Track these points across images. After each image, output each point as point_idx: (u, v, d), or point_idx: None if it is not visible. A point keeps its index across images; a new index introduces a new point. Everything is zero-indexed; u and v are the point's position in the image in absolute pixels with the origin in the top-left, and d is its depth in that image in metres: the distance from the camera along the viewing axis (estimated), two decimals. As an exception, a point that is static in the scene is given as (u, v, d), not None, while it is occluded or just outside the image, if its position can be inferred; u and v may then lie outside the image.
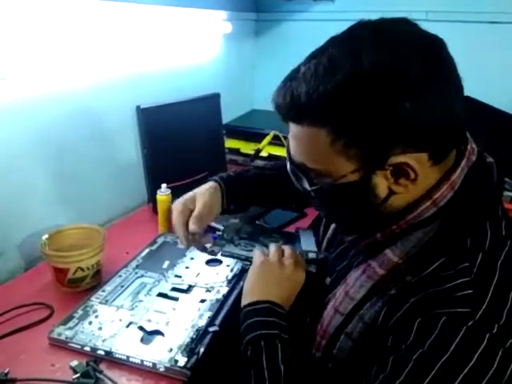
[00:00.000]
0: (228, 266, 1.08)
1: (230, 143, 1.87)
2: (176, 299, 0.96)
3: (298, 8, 2.13)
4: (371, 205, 0.62)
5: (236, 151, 1.86)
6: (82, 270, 0.98)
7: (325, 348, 0.71)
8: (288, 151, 0.67)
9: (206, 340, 0.86)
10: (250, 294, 0.79)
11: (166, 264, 1.09)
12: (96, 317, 0.89)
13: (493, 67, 1.80)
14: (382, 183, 0.60)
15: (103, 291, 0.97)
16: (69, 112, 1.22)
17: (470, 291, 0.55)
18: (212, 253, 0.96)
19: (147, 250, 1.15)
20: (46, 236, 1.01)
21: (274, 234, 1.01)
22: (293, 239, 0.96)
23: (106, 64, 1.33)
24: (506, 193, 1.48)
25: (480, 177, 0.64)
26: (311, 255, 0.88)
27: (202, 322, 0.89)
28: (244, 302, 0.78)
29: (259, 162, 1.68)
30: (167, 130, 1.42)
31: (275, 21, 2.22)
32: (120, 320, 0.89)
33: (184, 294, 0.98)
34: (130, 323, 0.88)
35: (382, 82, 0.53)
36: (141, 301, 0.95)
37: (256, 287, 0.79)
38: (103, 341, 0.83)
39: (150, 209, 1.40)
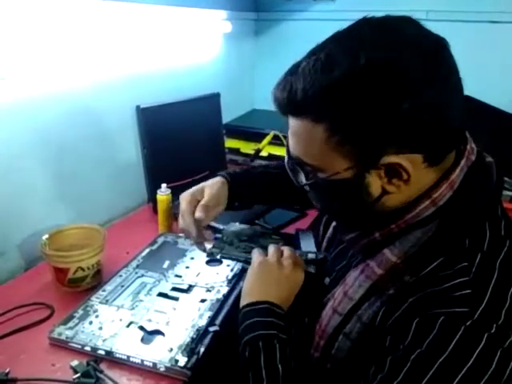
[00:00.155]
0: (228, 265, 1.08)
1: (230, 143, 1.87)
2: (176, 299, 0.96)
3: (298, 7, 2.13)
4: (365, 202, 0.62)
5: (236, 151, 1.86)
6: (83, 269, 0.98)
7: (323, 348, 0.71)
8: (287, 145, 0.67)
9: (207, 340, 0.86)
10: (249, 294, 0.79)
11: (166, 264, 1.09)
12: (96, 317, 0.90)
13: (493, 67, 1.80)
14: (375, 182, 0.60)
15: (103, 291, 0.98)
16: (69, 112, 1.22)
17: (468, 291, 0.55)
18: (211, 255, 0.96)
19: (147, 250, 1.15)
20: (46, 236, 1.02)
21: (274, 235, 1.01)
22: (292, 240, 0.96)
23: (106, 64, 1.33)
24: (506, 192, 1.48)
25: (479, 176, 0.64)
26: (310, 256, 0.88)
27: (203, 322, 0.89)
28: (243, 302, 0.78)
29: (259, 162, 1.68)
30: (167, 129, 1.42)
31: (275, 20, 2.22)
32: (120, 320, 0.89)
33: (184, 294, 0.98)
34: (131, 323, 0.88)
35: (378, 81, 0.53)
36: (141, 301, 0.95)
37: (255, 288, 0.80)
38: (103, 340, 0.83)
39: (150, 208, 1.40)
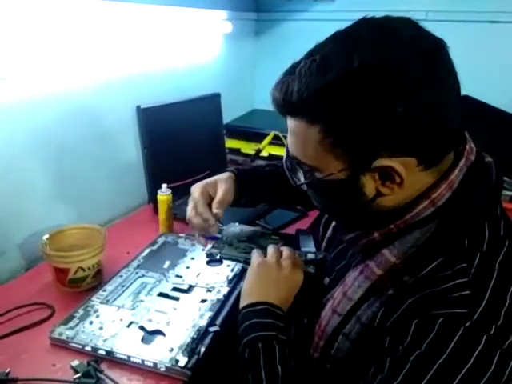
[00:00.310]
0: (228, 266, 1.08)
1: (230, 143, 1.87)
2: (177, 299, 0.96)
3: (299, 8, 2.13)
4: (360, 203, 0.63)
5: (236, 151, 1.86)
6: (83, 269, 0.98)
7: (323, 349, 0.71)
8: (287, 144, 0.68)
9: (207, 340, 0.86)
10: (248, 295, 0.79)
11: (166, 264, 1.09)
12: (97, 317, 0.90)
13: (493, 67, 1.80)
14: (369, 184, 0.60)
15: (104, 291, 0.98)
16: (69, 112, 1.22)
17: (467, 292, 0.55)
18: (211, 255, 0.96)
19: (148, 250, 1.15)
20: (46, 236, 1.02)
21: (273, 235, 1.01)
22: (292, 241, 0.96)
23: (107, 64, 1.33)
24: (505, 192, 1.48)
25: (479, 176, 0.64)
26: (310, 256, 0.88)
27: (203, 322, 0.89)
28: (242, 303, 0.78)
29: (260, 162, 1.68)
30: (168, 129, 1.42)
31: (275, 20, 2.22)
32: (121, 320, 0.89)
33: (185, 294, 0.98)
34: (131, 323, 0.88)
35: (372, 85, 0.53)
36: (142, 301, 0.95)
37: (254, 289, 0.80)
38: (104, 341, 0.83)
39: (151, 209, 1.40)
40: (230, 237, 0.99)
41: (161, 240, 1.21)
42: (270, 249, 0.86)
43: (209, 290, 1.00)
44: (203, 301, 0.96)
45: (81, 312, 0.91)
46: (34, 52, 1.09)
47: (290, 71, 0.59)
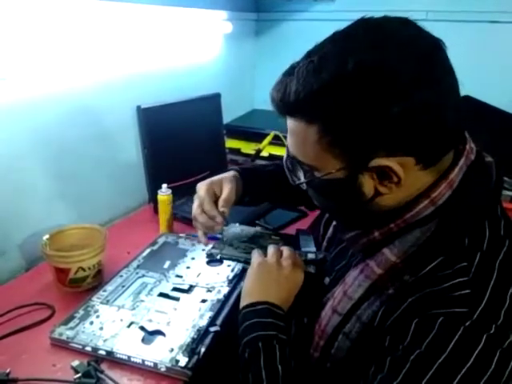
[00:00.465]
0: (229, 266, 1.08)
1: (230, 143, 1.87)
2: (177, 299, 0.96)
3: (299, 8, 2.13)
4: (359, 202, 0.63)
5: (237, 151, 1.86)
6: (83, 269, 0.98)
7: (323, 348, 0.71)
8: (287, 144, 0.68)
9: (207, 340, 0.86)
10: (249, 295, 0.79)
11: (166, 264, 1.09)
12: (97, 317, 0.90)
13: (493, 67, 1.80)
14: (368, 183, 0.61)
15: (104, 291, 0.98)
16: (69, 112, 1.22)
17: (467, 291, 0.55)
18: (211, 256, 0.96)
19: (148, 250, 1.15)
20: (46, 236, 1.02)
21: (274, 236, 1.01)
22: (292, 241, 0.97)
23: (107, 64, 1.33)
24: (506, 192, 1.48)
25: (479, 176, 0.64)
26: (310, 256, 0.88)
27: (203, 322, 0.89)
28: (242, 303, 0.79)
29: (260, 162, 1.68)
30: (168, 129, 1.42)
31: (276, 20, 2.22)
32: (121, 320, 0.89)
33: (185, 294, 0.98)
34: (131, 323, 0.88)
35: (367, 85, 0.54)
36: (142, 301, 0.95)
37: (254, 288, 0.80)
38: (104, 341, 0.83)
39: (151, 209, 1.40)
40: (231, 237, 1.00)
41: (161, 240, 1.21)
42: (271, 249, 0.86)
43: (209, 290, 1.00)
44: (203, 301, 0.96)
45: (81, 312, 0.91)
46: (35, 52, 1.09)
47: (289, 72, 0.60)
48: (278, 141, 1.71)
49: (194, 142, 1.53)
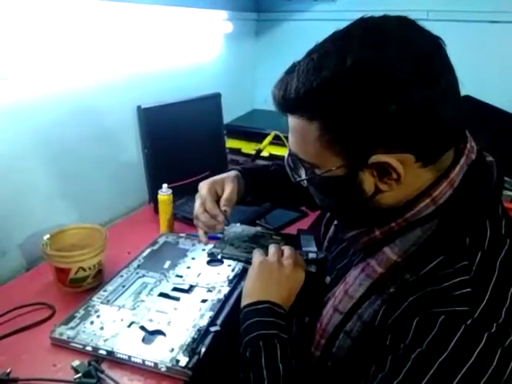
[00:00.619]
0: (229, 265, 1.08)
1: (230, 143, 1.87)
2: (177, 299, 0.96)
3: (299, 8, 2.13)
4: (360, 199, 0.63)
5: (237, 151, 1.86)
6: (84, 269, 0.98)
7: (324, 347, 0.71)
8: (288, 142, 0.68)
9: (208, 340, 0.86)
10: (250, 294, 0.79)
11: (167, 264, 1.09)
12: (98, 317, 0.90)
13: (493, 67, 1.80)
14: (368, 180, 0.61)
15: (105, 291, 0.98)
16: (70, 112, 1.22)
17: (468, 290, 0.55)
18: (212, 255, 0.96)
19: (148, 250, 1.15)
20: (47, 236, 1.02)
21: (275, 235, 1.02)
22: (293, 241, 0.97)
23: (107, 64, 1.33)
24: (507, 192, 1.48)
25: (480, 175, 0.64)
26: (311, 255, 0.88)
27: (204, 322, 0.89)
28: (243, 302, 0.79)
29: (260, 162, 1.68)
30: (168, 129, 1.42)
31: (276, 20, 2.22)
32: (121, 320, 0.89)
33: (185, 294, 0.98)
34: (132, 323, 0.88)
35: (365, 82, 0.54)
36: (142, 301, 0.95)
37: (255, 288, 0.80)
38: (105, 341, 0.83)
39: (152, 209, 1.40)
40: (232, 237, 1.00)
41: (161, 240, 1.21)
42: (272, 248, 0.86)
43: (209, 290, 1.00)
44: (204, 301, 0.96)
45: (81, 312, 0.91)
46: (35, 53, 1.09)
47: (290, 70, 0.60)
48: (278, 141, 1.71)
49: (195, 141, 1.53)
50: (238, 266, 1.08)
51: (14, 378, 0.76)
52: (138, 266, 1.07)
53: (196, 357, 0.80)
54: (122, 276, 1.03)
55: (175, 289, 1.00)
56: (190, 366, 0.78)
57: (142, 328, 0.87)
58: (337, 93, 0.55)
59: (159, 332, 0.86)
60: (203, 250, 1.14)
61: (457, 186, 0.61)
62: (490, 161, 0.67)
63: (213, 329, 0.88)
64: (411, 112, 0.54)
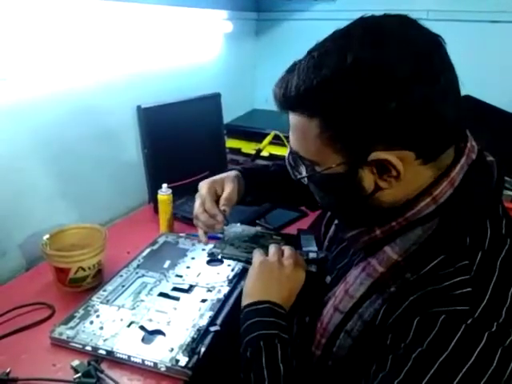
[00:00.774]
0: (229, 265, 1.08)
1: (230, 143, 1.87)
2: (177, 299, 0.96)
3: (299, 7, 2.13)
4: (360, 197, 0.63)
5: (237, 151, 1.86)
6: (83, 269, 0.98)
7: (324, 346, 0.71)
8: (289, 139, 0.69)
9: (207, 340, 0.86)
10: (250, 294, 0.79)
11: (166, 264, 1.09)
12: (97, 316, 0.90)
13: (493, 67, 1.80)
14: (368, 177, 0.61)
15: (104, 291, 0.98)
16: (70, 112, 1.22)
17: (469, 289, 0.55)
18: (212, 255, 0.96)
19: (148, 250, 1.15)
20: (47, 236, 1.02)
21: (275, 235, 1.01)
22: (293, 240, 0.97)
23: (107, 64, 1.33)
24: (507, 192, 1.48)
25: (480, 175, 0.64)
26: (311, 255, 0.88)
27: (203, 322, 0.89)
28: (244, 302, 0.79)
29: (260, 162, 1.68)
30: (168, 129, 1.42)
31: (276, 20, 2.22)
32: (121, 320, 0.89)
33: (185, 294, 0.98)
34: (131, 323, 0.88)
35: (364, 80, 0.54)
36: (142, 300, 0.95)
37: (256, 288, 0.80)
38: (104, 340, 0.83)
39: (151, 208, 1.40)
40: (232, 237, 0.99)
41: (161, 240, 1.20)
42: (272, 248, 0.86)
43: (209, 290, 1.00)
44: (203, 300, 0.96)
45: (81, 312, 0.91)
46: (35, 52, 1.09)
47: (290, 69, 0.61)
48: (278, 140, 1.71)
49: (195, 141, 1.53)
50: (238, 266, 1.07)
51: (14, 377, 0.76)
52: (138, 266, 1.07)
53: (196, 357, 0.80)
54: (121, 276, 1.03)
55: (175, 288, 1.00)
56: (189, 365, 0.78)
57: (142, 328, 0.87)
58: (337, 91, 0.56)
59: (159, 332, 0.86)
60: (203, 249, 1.14)
61: (457, 186, 0.61)
62: (491, 160, 0.67)
63: (212, 328, 0.88)
64: (411, 109, 0.55)
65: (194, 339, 0.84)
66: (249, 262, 0.88)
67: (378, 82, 0.54)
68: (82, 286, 1.00)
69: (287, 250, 0.86)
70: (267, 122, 1.83)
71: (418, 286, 0.59)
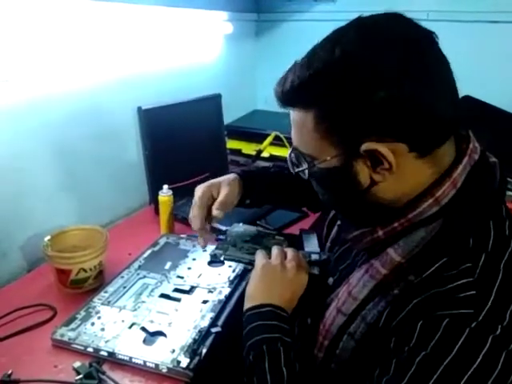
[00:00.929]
0: (230, 266, 1.08)
1: (231, 144, 1.87)
2: (178, 300, 0.96)
3: (299, 8, 2.13)
4: (357, 192, 0.63)
5: (237, 152, 1.86)
6: (85, 271, 0.98)
7: (327, 348, 0.71)
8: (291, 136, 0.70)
9: (209, 341, 0.85)
10: (252, 297, 0.79)
11: (168, 265, 1.09)
12: (99, 318, 0.90)
13: (493, 67, 1.80)
14: (363, 171, 0.61)
15: (106, 292, 0.98)
16: (71, 113, 1.22)
17: (472, 292, 0.55)
18: (215, 256, 0.96)
19: (149, 251, 1.15)
20: (48, 237, 1.02)
21: (277, 236, 1.01)
22: (296, 241, 0.96)
23: (108, 65, 1.33)
24: (509, 193, 1.48)
25: (483, 176, 0.63)
26: (314, 256, 0.88)
27: (205, 323, 0.89)
28: (246, 305, 0.78)
29: (261, 163, 1.68)
30: (168, 130, 1.42)
31: (276, 21, 2.22)
32: (122, 321, 0.89)
33: (186, 295, 0.98)
34: (133, 324, 0.88)
35: (352, 72, 0.56)
36: (143, 302, 0.95)
37: (258, 291, 0.80)
38: (106, 342, 0.83)
39: (152, 210, 1.40)
40: (234, 237, 0.99)
41: (162, 241, 1.20)
42: (275, 250, 0.86)
43: (210, 291, 1.00)
44: (205, 302, 0.96)
45: (82, 313, 0.91)
46: (36, 54, 1.09)
47: (291, 67, 0.63)
48: (278, 141, 1.71)
49: (195, 142, 1.53)
50: (239, 267, 1.07)
51: (16, 379, 0.76)
52: (139, 267, 1.07)
53: (197, 358, 0.80)
54: (122, 277, 1.03)
55: (176, 290, 1.00)
56: (191, 367, 0.78)
57: (143, 329, 0.87)
58: (327, 82, 0.58)
59: (160, 333, 0.86)
60: (204, 250, 1.14)
61: (460, 187, 0.61)
62: (494, 161, 0.67)
63: (214, 330, 0.88)
64: (399, 101, 0.55)
65: (195, 340, 0.84)
66: (251, 263, 0.88)
67: (366, 72, 0.56)
68: (83, 288, 1.00)
69: (290, 252, 0.86)
70: (268, 122, 1.83)
71: (422, 289, 0.59)
